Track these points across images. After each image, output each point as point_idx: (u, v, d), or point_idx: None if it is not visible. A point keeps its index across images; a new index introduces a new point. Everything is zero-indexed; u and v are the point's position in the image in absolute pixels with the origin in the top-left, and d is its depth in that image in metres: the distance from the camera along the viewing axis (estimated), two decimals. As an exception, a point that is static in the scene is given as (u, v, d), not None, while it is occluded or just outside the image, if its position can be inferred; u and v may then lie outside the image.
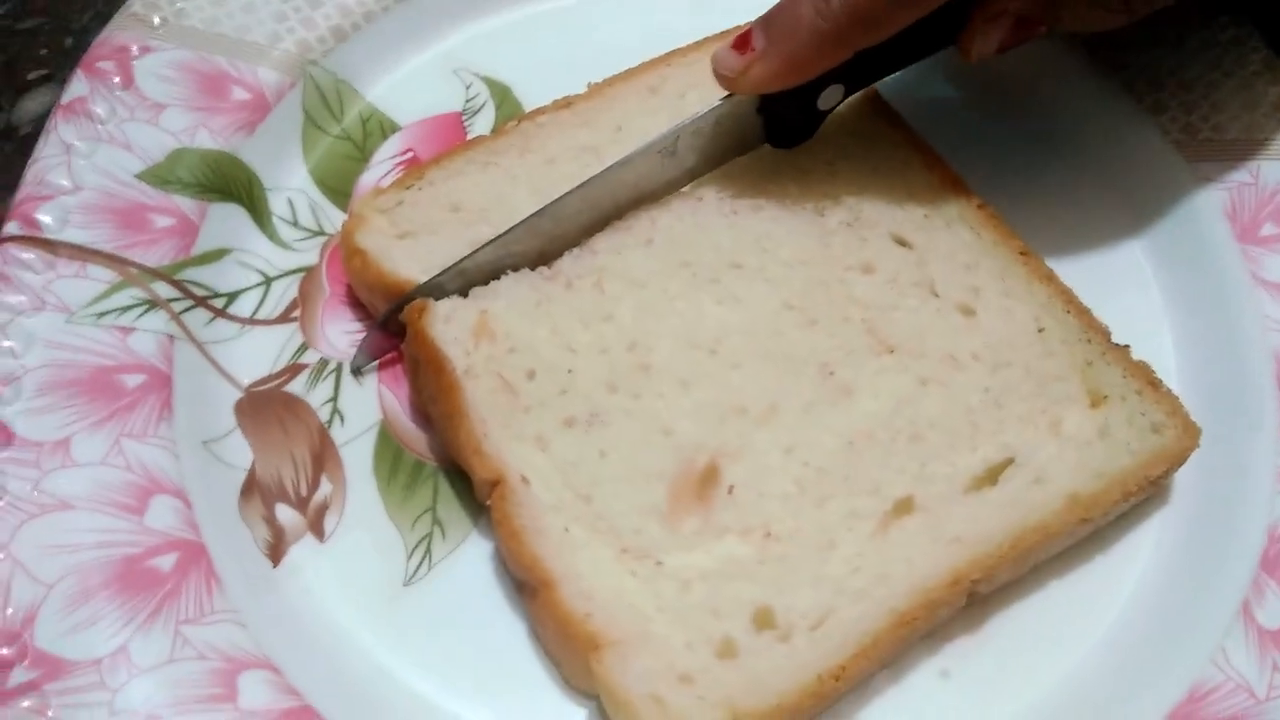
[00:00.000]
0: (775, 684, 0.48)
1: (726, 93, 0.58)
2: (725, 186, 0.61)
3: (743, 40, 0.56)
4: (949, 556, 0.51)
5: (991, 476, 0.54)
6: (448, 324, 0.55)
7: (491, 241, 0.57)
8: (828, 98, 0.60)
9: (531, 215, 0.57)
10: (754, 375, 0.56)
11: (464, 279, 0.57)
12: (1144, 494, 0.54)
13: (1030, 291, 0.58)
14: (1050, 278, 0.59)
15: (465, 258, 0.57)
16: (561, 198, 0.58)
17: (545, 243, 0.58)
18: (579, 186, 0.58)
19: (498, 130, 0.64)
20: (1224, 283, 0.61)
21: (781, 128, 0.61)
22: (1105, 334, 0.57)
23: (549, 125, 0.63)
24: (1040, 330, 0.57)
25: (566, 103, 0.64)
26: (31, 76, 0.74)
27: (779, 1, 0.56)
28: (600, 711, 0.50)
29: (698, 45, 0.67)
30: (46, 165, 0.59)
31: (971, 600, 0.52)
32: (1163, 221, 0.64)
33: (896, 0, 0.53)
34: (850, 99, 0.61)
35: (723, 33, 0.66)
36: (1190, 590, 0.53)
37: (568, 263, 0.59)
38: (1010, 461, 0.54)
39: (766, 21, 0.56)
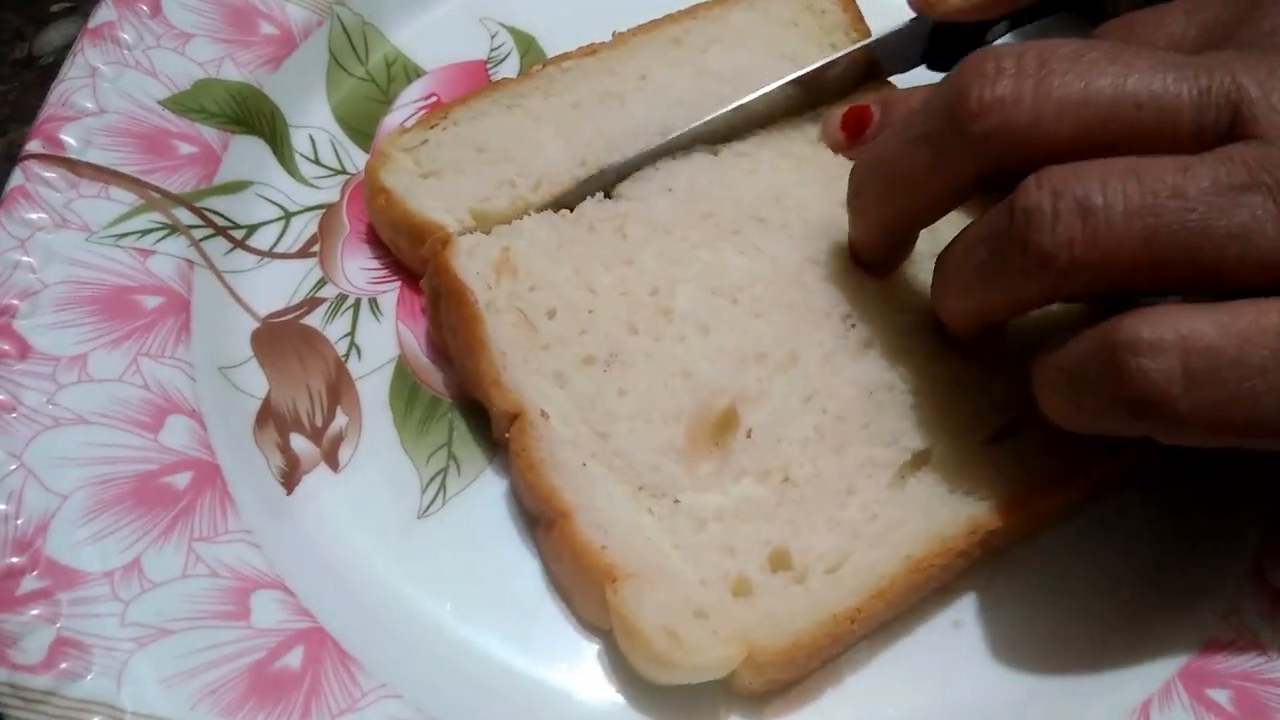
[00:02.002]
0: (790, 623, 0.48)
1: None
2: (743, 145, 0.62)
3: None
4: (965, 507, 0.51)
5: (1009, 431, 0.54)
6: (470, 258, 0.55)
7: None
8: (995, 31, 0.64)
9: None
10: (775, 324, 0.56)
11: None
12: (1161, 452, 0.54)
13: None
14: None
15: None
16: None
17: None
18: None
19: (523, 74, 0.64)
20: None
21: (944, 51, 0.64)
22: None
23: (574, 70, 0.63)
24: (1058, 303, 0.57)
25: (592, 49, 0.64)
26: (55, 8, 0.73)
27: None
28: (612, 646, 0.50)
29: (721, 1, 0.67)
30: (71, 87, 0.59)
31: (986, 553, 0.52)
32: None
33: None
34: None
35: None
36: (1204, 549, 0.53)
37: (590, 207, 0.59)
38: (1028, 416, 0.54)
39: None
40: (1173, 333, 0.41)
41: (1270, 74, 0.43)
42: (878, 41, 0.64)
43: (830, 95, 0.64)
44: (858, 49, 0.64)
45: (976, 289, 0.47)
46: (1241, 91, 0.42)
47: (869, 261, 0.57)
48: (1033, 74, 0.44)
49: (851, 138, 0.61)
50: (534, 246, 0.57)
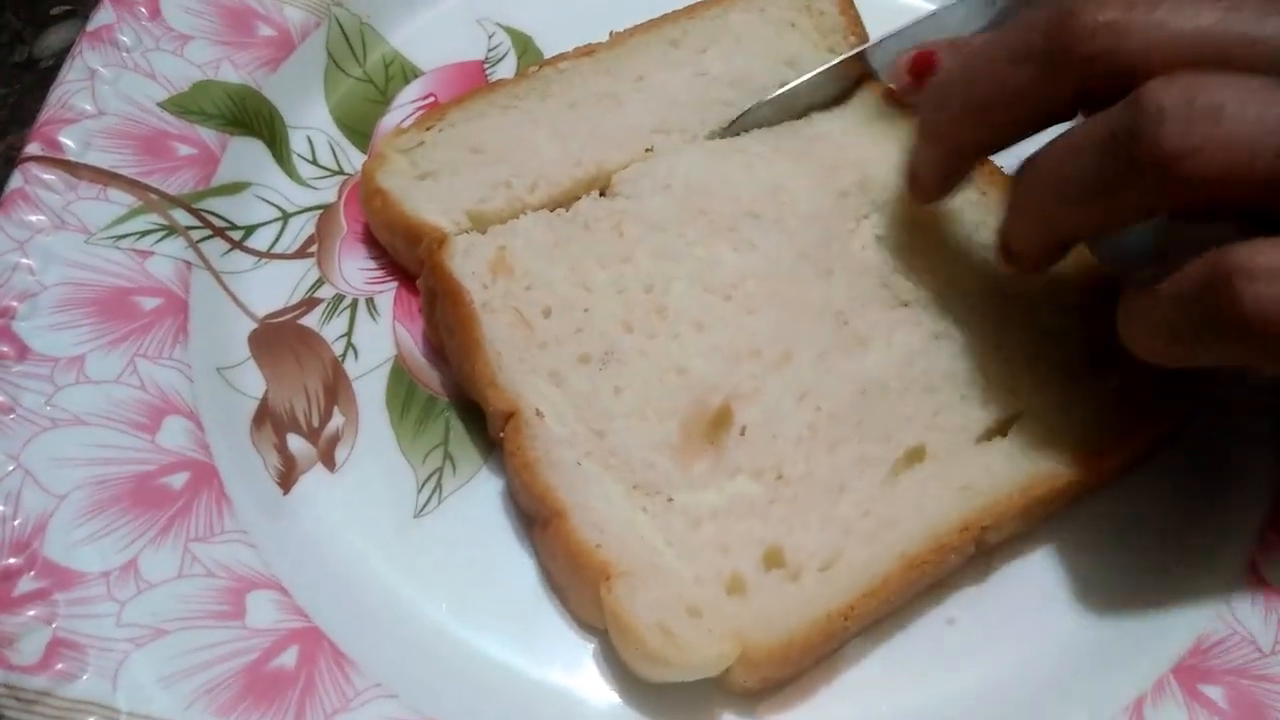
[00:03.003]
0: (784, 620, 0.48)
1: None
2: (741, 140, 0.62)
3: None
4: (959, 504, 0.51)
5: (1002, 428, 0.54)
6: (466, 258, 0.56)
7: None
8: None
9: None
10: (769, 321, 0.56)
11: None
12: (1153, 449, 0.54)
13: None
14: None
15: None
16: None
17: None
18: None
19: (519, 74, 0.64)
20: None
21: None
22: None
23: (570, 71, 0.63)
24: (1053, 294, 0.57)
25: (589, 50, 0.64)
26: (55, 11, 0.74)
27: None
28: (608, 645, 0.50)
29: (718, 1, 0.67)
30: (70, 89, 0.59)
31: (979, 550, 0.52)
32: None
33: None
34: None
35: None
36: (1198, 547, 0.54)
37: (586, 205, 0.59)
38: (1021, 414, 0.54)
39: None
40: None
41: None
42: (872, 48, 0.64)
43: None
44: (852, 55, 0.64)
45: (1078, 198, 0.46)
46: None
47: (923, 191, 0.56)
48: (1142, 5, 0.44)
49: (918, 81, 0.60)
50: (529, 245, 0.57)
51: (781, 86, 0.63)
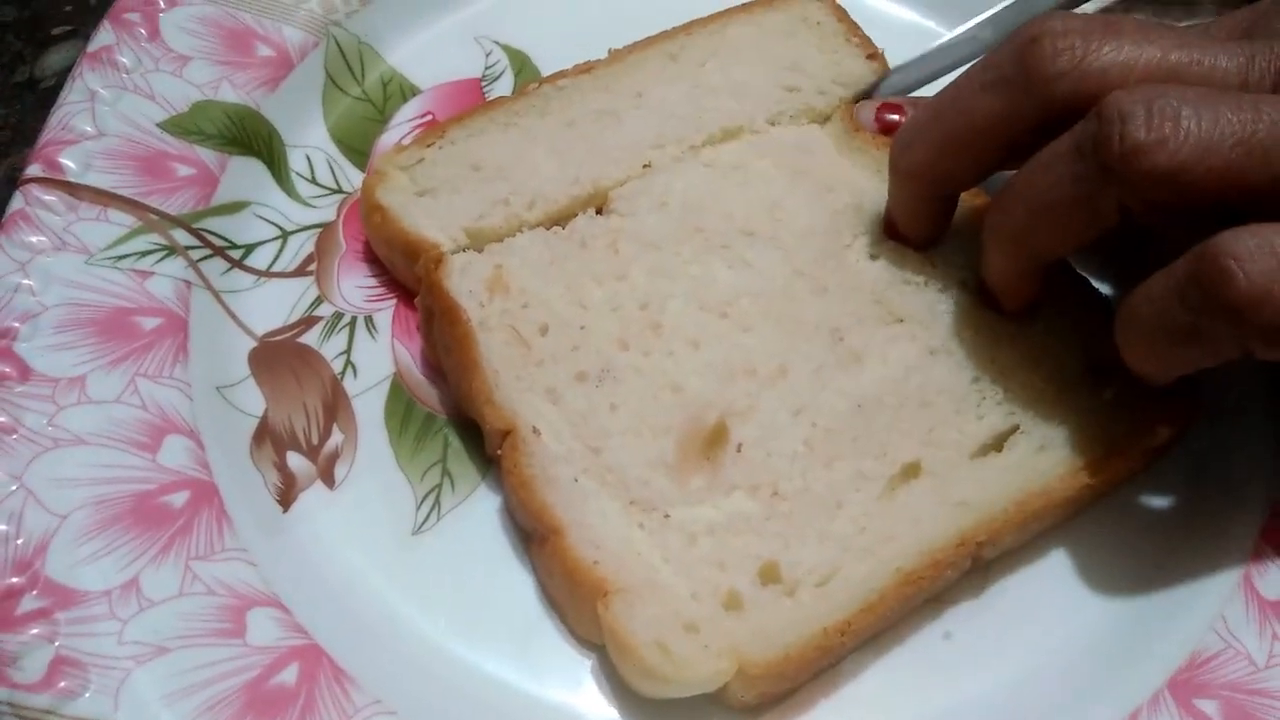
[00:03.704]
0: (781, 636, 0.48)
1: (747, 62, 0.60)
2: (737, 157, 0.62)
3: None
4: (955, 519, 0.52)
5: (997, 443, 0.54)
6: (463, 276, 0.56)
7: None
8: None
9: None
10: (764, 338, 0.56)
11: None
12: (1147, 463, 0.55)
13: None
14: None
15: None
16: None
17: None
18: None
19: (518, 91, 0.65)
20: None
21: None
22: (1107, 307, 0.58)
23: (569, 89, 0.64)
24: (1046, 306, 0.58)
25: (587, 67, 0.65)
26: (56, 31, 0.74)
27: None
28: (607, 661, 0.50)
29: (717, 15, 0.68)
30: (70, 111, 0.60)
31: (976, 564, 0.52)
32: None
33: None
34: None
35: (743, 4, 0.67)
36: (1192, 560, 0.54)
37: (582, 223, 0.59)
38: (1016, 429, 0.54)
39: None
40: (1269, 241, 0.43)
41: None
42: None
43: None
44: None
45: (1050, 212, 0.49)
46: None
47: (911, 233, 0.58)
48: (1099, 34, 0.47)
49: (884, 133, 0.62)
50: (526, 264, 0.57)
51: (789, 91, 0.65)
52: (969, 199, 0.59)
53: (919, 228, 0.57)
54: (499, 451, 0.53)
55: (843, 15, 0.68)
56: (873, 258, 0.59)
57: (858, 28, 0.68)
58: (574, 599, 0.50)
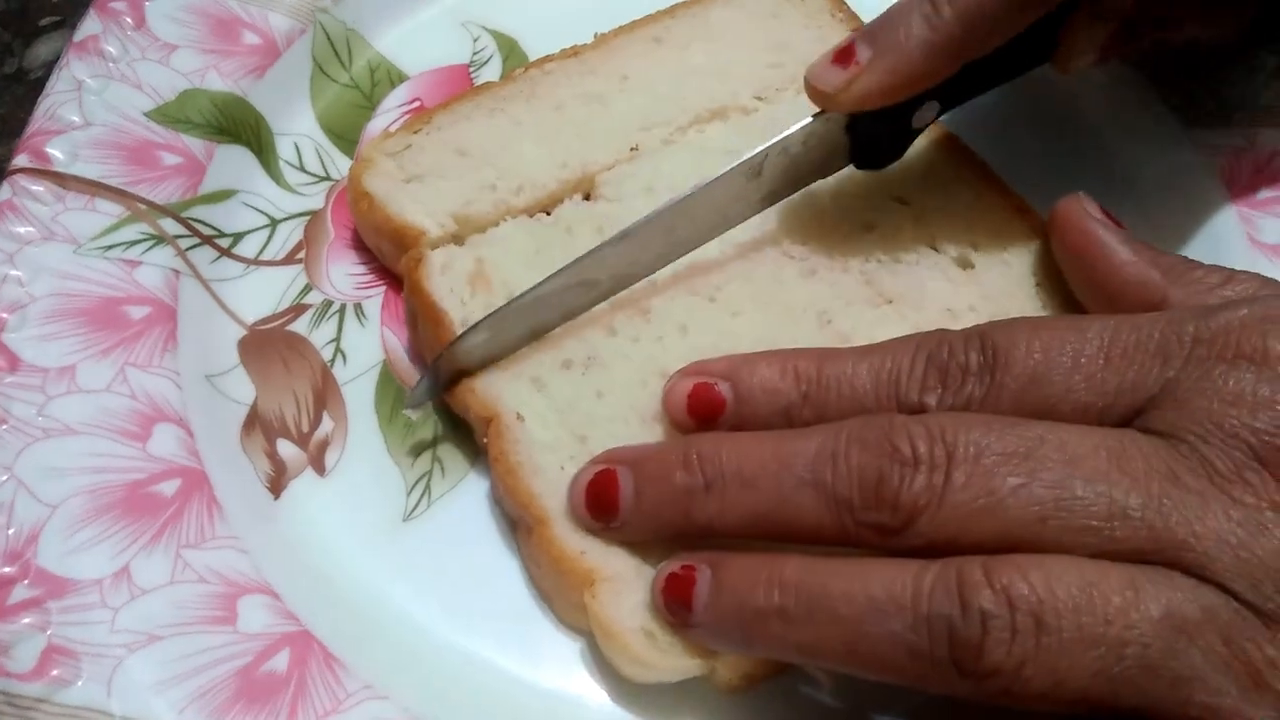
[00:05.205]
0: (767, 620, 0.49)
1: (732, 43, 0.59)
2: (723, 140, 0.62)
3: (844, 53, 0.52)
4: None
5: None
6: (444, 274, 0.56)
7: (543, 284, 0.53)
8: (922, 115, 0.56)
9: (601, 245, 0.53)
10: (752, 322, 0.56)
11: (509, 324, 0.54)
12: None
13: (1028, 246, 0.59)
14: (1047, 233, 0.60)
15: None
16: (633, 227, 0.53)
17: (614, 277, 0.55)
18: (656, 213, 0.53)
19: (505, 77, 0.65)
20: (1220, 245, 0.62)
21: (870, 147, 0.57)
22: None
23: (556, 73, 0.64)
24: (1037, 284, 0.58)
25: (574, 51, 0.65)
26: (43, 22, 0.74)
27: (884, 13, 0.52)
28: (593, 646, 0.51)
29: (699, -1, 0.68)
30: (57, 101, 0.60)
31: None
32: (1157, 184, 0.65)
33: (1012, 3, 0.50)
34: None
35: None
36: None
37: (568, 209, 0.59)
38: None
39: (871, 34, 0.52)
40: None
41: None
42: (787, 145, 0.55)
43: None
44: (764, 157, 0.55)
45: (873, 661, 0.42)
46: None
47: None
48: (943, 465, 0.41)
49: (702, 423, 0.50)
50: (510, 254, 0.57)
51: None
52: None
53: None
54: (485, 439, 0.53)
55: None
56: (860, 239, 0.59)
57: (843, 3, 0.68)
58: (561, 587, 0.50)
